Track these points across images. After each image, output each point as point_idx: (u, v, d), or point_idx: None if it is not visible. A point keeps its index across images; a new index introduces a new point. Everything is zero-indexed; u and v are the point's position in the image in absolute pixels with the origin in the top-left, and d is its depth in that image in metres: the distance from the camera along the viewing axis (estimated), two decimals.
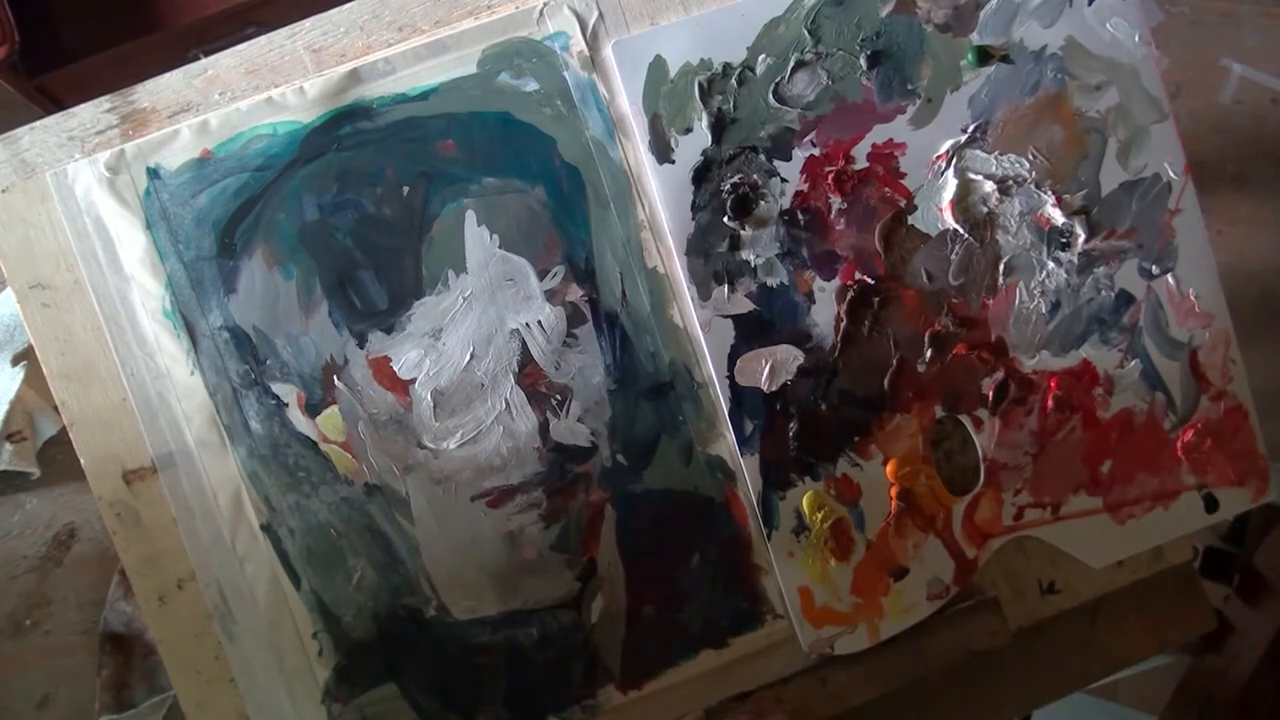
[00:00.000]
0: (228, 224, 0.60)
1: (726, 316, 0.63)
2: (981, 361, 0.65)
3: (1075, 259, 0.65)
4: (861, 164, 0.63)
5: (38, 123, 0.61)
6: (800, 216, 0.63)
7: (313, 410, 0.61)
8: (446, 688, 0.61)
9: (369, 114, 0.61)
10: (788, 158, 0.63)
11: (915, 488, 0.64)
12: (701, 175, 0.62)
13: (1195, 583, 0.71)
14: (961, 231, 0.64)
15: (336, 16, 0.62)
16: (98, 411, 0.60)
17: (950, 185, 0.64)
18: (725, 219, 0.63)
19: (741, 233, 0.63)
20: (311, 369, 0.60)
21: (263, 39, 0.62)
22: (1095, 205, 0.65)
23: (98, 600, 0.79)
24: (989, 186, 0.64)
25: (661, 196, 0.62)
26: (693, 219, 0.63)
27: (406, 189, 0.61)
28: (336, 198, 0.60)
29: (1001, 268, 0.65)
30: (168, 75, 0.62)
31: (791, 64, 0.63)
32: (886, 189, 0.64)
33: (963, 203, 0.64)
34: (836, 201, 0.63)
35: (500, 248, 0.61)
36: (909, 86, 0.63)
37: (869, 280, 0.64)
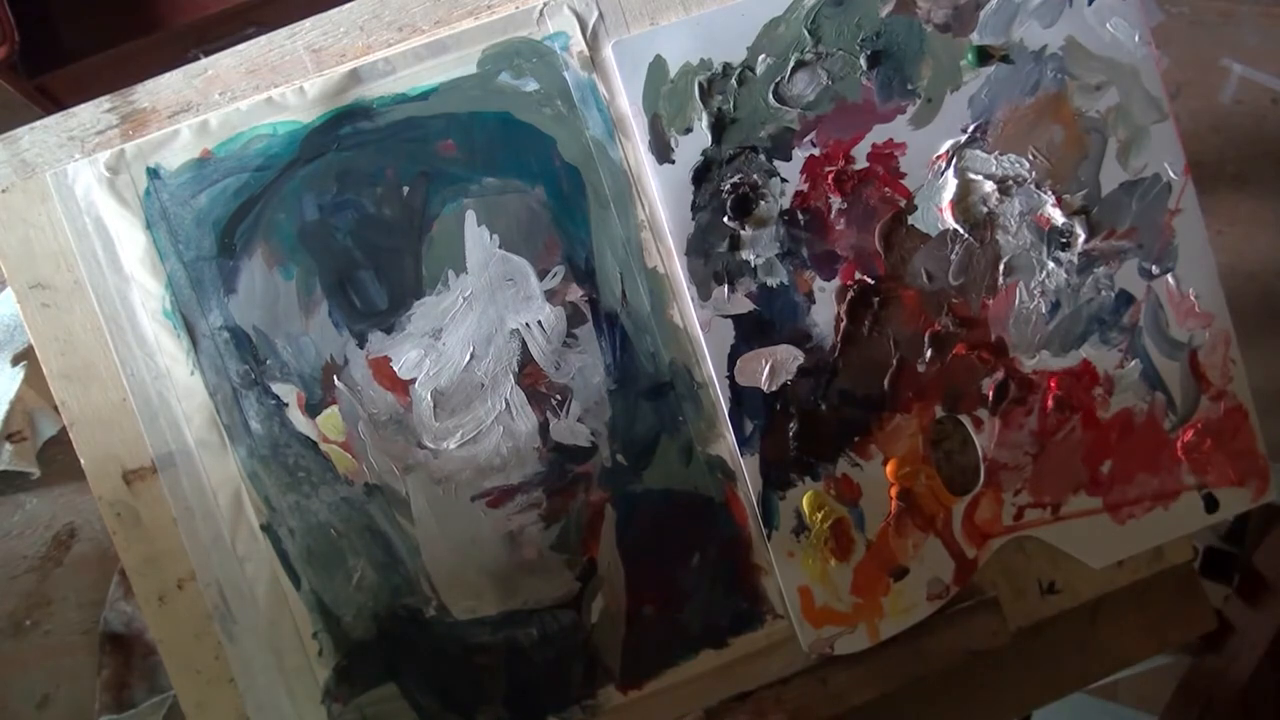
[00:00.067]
0: (228, 224, 0.60)
1: (726, 316, 0.63)
2: (981, 361, 0.65)
3: (1075, 259, 0.65)
4: (861, 164, 0.63)
5: (38, 123, 0.61)
6: (800, 216, 0.63)
7: (313, 410, 0.61)
8: (446, 688, 0.61)
9: (369, 114, 0.61)
10: (788, 158, 0.63)
11: (915, 488, 0.64)
12: (701, 175, 0.62)
13: (1195, 583, 0.71)
14: (961, 231, 0.64)
15: (336, 16, 0.62)
16: (98, 411, 0.60)
17: (950, 185, 0.64)
18: (725, 219, 0.63)
19: (741, 233, 0.63)
20: (311, 369, 0.60)
21: (263, 39, 0.62)
22: (1095, 205, 0.65)
23: (98, 600, 0.79)
24: (989, 186, 0.64)
25: (661, 196, 0.62)
26: (693, 219, 0.63)
27: (406, 189, 0.61)
28: (336, 198, 0.60)
29: (1001, 268, 0.65)
30: (168, 75, 0.62)
31: (791, 64, 0.63)
32: (886, 189, 0.64)
33: (963, 203, 0.64)
34: (836, 201, 0.63)
35: (500, 248, 0.61)
36: (909, 86, 0.63)
37: (869, 280, 0.64)
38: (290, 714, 0.60)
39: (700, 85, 0.62)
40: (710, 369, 0.63)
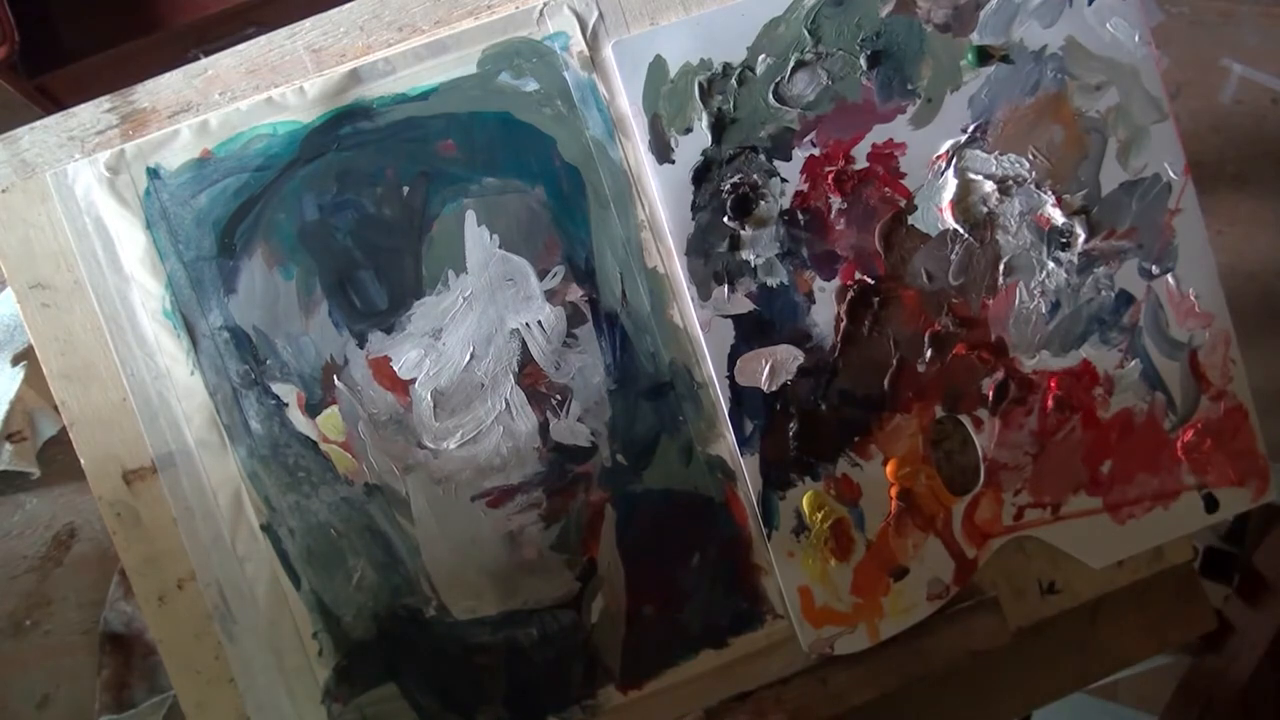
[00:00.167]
0: (228, 224, 0.60)
1: (726, 316, 0.63)
2: (981, 361, 0.65)
3: (1075, 259, 0.65)
4: (861, 164, 0.63)
5: (38, 123, 0.61)
6: (800, 216, 0.63)
7: (313, 410, 0.61)
8: (446, 688, 0.61)
9: (369, 114, 0.61)
10: (788, 158, 0.63)
11: (915, 488, 0.64)
12: (701, 175, 0.62)
13: (1195, 583, 0.71)
14: (961, 231, 0.64)
15: (336, 16, 0.62)
16: (98, 411, 0.60)
17: (950, 185, 0.64)
18: (725, 219, 0.63)
19: (741, 233, 0.63)
20: (311, 369, 0.60)
21: (263, 39, 0.62)
22: (1095, 205, 0.65)
23: (98, 600, 0.79)
24: (989, 186, 0.64)
25: (661, 196, 0.62)
26: (693, 219, 0.63)
27: (406, 189, 0.61)
28: (336, 198, 0.60)
29: (1001, 268, 0.65)
30: (168, 75, 0.62)
31: (791, 64, 0.63)
32: (886, 189, 0.64)
33: (963, 203, 0.64)
34: (836, 201, 0.63)
35: (500, 248, 0.61)
36: (909, 86, 0.63)
37: (869, 280, 0.64)
38: (290, 714, 0.60)
39: (700, 85, 0.62)
40: (710, 369, 0.63)
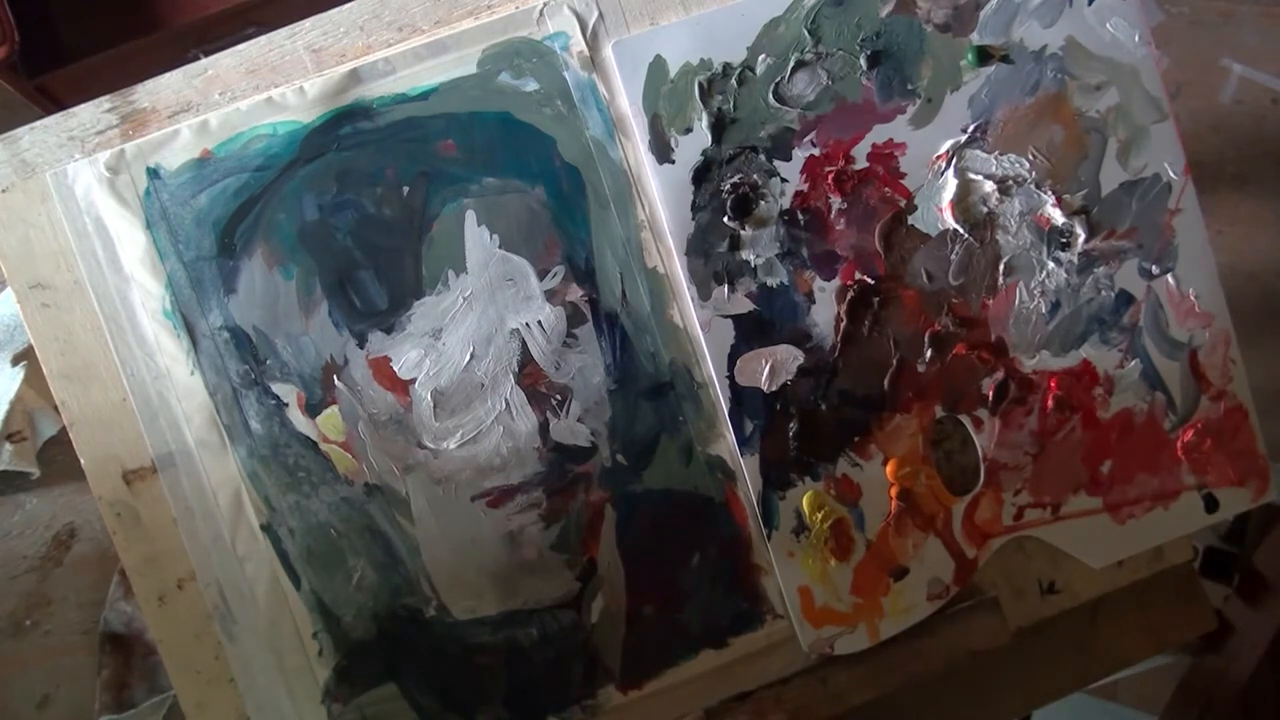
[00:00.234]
0: (228, 224, 0.60)
1: (726, 316, 0.63)
2: (981, 361, 0.65)
3: (1075, 259, 0.65)
4: (861, 164, 0.63)
5: (38, 123, 0.61)
6: (800, 216, 0.63)
7: (313, 410, 0.61)
8: (446, 688, 0.61)
9: (369, 114, 0.61)
10: (788, 158, 0.63)
11: (915, 488, 0.64)
12: (701, 175, 0.62)
13: (1195, 583, 0.71)
14: (961, 231, 0.64)
15: (336, 16, 0.62)
16: (98, 411, 0.60)
17: (950, 185, 0.64)
18: (725, 219, 0.63)
19: (741, 233, 0.63)
20: (311, 369, 0.60)
21: (263, 39, 0.62)
22: (1095, 205, 0.65)
23: (98, 600, 0.79)
24: (989, 186, 0.64)
25: (661, 196, 0.62)
26: (693, 219, 0.63)
27: (406, 189, 0.61)
28: (336, 198, 0.60)
29: (1001, 268, 0.65)
30: (168, 75, 0.62)
31: (791, 64, 0.63)
32: (886, 189, 0.64)
33: (963, 203, 0.64)
34: (836, 201, 0.63)
35: (500, 248, 0.61)
36: (909, 86, 0.63)
37: (869, 280, 0.64)
38: (290, 714, 0.60)
39: (700, 85, 0.62)
40: (710, 369, 0.63)
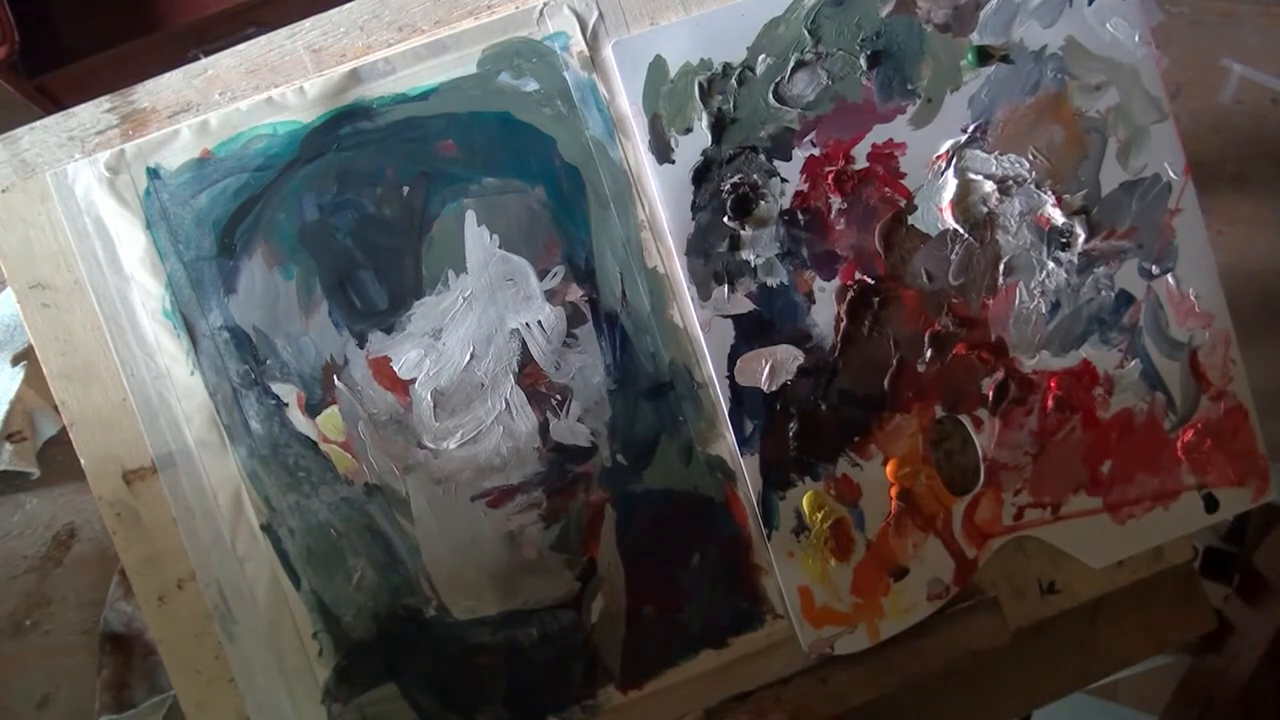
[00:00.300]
0: (228, 224, 0.60)
1: (726, 316, 0.63)
2: (981, 361, 0.65)
3: (1075, 259, 0.65)
4: (861, 164, 0.63)
5: (38, 123, 0.61)
6: (800, 216, 0.63)
7: (313, 410, 0.61)
8: (446, 688, 0.61)
9: (369, 114, 0.61)
10: (788, 158, 0.63)
11: (915, 488, 0.64)
12: (701, 175, 0.62)
13: (1195, 583, 0.71)
14: (961, 231, 0.64)
15: (336, 16, 0.62)
16: (98, 411, 0.60)
17: (950, 185, 0.64)
18: (725, 219, 0.63)
19: (741, 233, 0.63)
20: (311, 369, 0.60)
21: (263, 39, 0.62)
22: (1095, 205, 0.65)
23: (98, 600, 0.79)
24: (989, 186, 0.64)
25: (661, 196, 0.62)
26: (693, 219, 0.63)
27: (406, 189, 0.61)
28: (336, 198, 0.60)
29: (1001, 268, 0.65)
30: (168, 75, 0.62)
31: (791, 64, 0.63)
32: (886, 189, 0.64)
33: (963, 203, 0.64)
34: (836, 201, 0.63)
35: (500, 248, 0.61)
36: (909, 86, 0.63)
37: (869, 280, 0.64)
38: (290, 714, 0.60)
39: (700, 85, 0.62)
40: (710, 369, 0.63)
